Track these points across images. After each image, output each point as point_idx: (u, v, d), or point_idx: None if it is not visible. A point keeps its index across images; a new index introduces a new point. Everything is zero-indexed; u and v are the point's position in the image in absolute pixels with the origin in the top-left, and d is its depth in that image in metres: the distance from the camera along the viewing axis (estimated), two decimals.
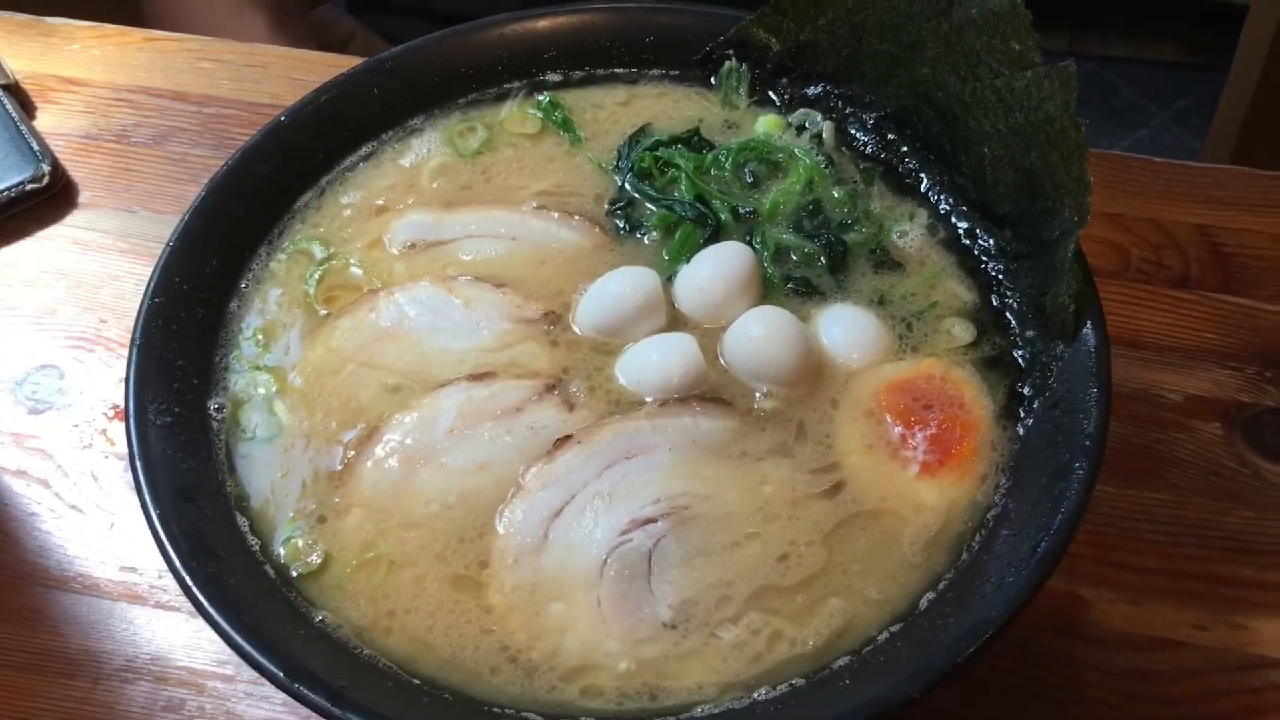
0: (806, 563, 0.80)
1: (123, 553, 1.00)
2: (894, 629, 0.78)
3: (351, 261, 0.96)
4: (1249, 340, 1.10)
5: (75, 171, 1.25)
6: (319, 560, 0.82)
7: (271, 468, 0.86)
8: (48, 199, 1.22)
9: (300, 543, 0.83)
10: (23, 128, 1.25)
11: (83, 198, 1.24)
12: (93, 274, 1.18)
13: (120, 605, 0.98)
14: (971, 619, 0.74)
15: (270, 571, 0.81)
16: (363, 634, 0.79)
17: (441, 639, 0.79)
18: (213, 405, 0.89)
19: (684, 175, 0.99)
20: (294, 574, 0.82)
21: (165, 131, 1.29)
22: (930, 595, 0.79)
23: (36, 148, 1.23)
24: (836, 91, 1.02)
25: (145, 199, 1.24)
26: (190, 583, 0.76)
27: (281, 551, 0.83)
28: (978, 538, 0.81)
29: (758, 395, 0.87)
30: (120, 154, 1.27)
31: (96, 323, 1.15)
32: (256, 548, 0.82)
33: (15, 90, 1.30)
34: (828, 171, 0.99)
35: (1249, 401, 1.06)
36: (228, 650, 0.87)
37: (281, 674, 0.72)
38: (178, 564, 0.77)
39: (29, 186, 1.21)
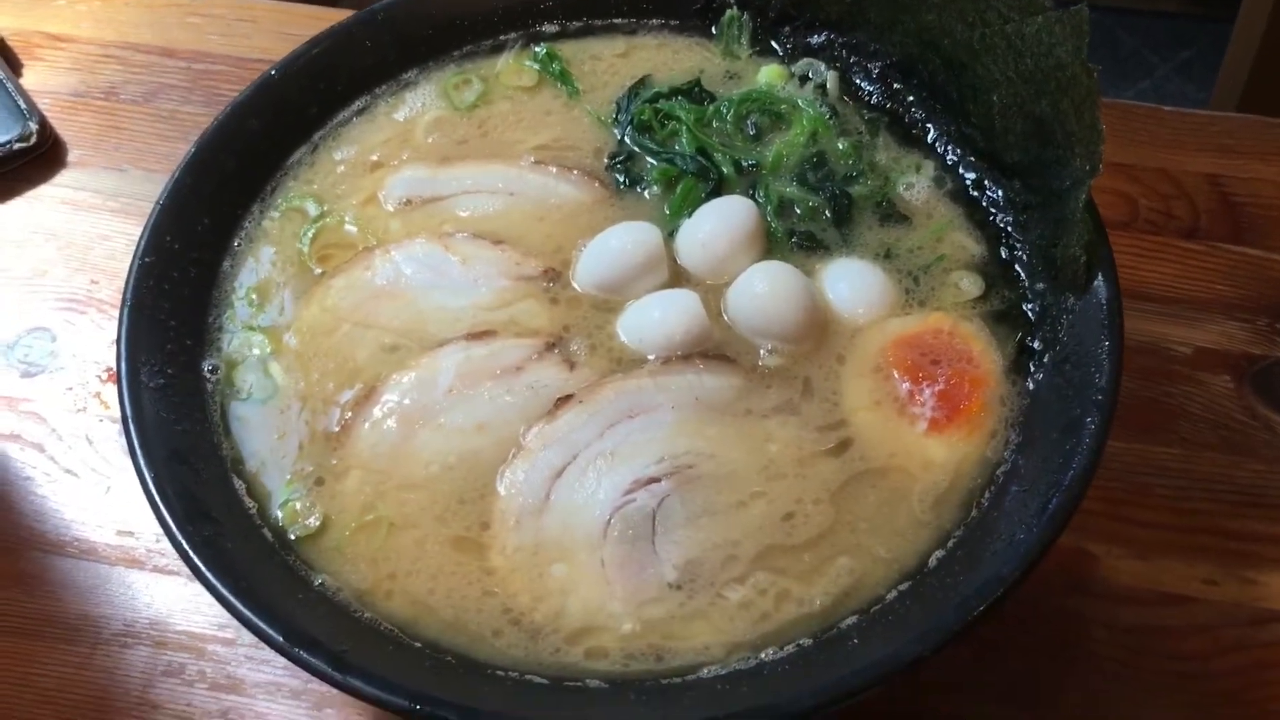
0: (814, 521, 0.79)
1: (119, 516, 1.00)
2: (903, 587, 0.77)
3: (346, 219, 0.95)
4: (1260, 291, 1.09)
5: (64, 130, 1.24)
6: (317, 523, 0.81)
7: (267, 429, 0.85)
8: (36, 158, 1.20)
9: (298, 505, 0.82)
10: (9, 85, 1.23)
11: (72, 156, 1.22)
12: (83, 234, 1.17)
13: (118, 570, 0.97)
14: (982, 577, 0.73)
15: (268, 534, 0.80)
16: (363, 597, 0.78)
17: (443, 602, 0.78)
18: (206, 366, 0.87)
19: (685, 128, 0.97)
20: (292, 537, 0.81)
21: (154, 88, 1.27)
22: (940, 553, 0.78)
23: (24, 106, 1.21)
24: (840, 40, 1.00)
25: (136, 157, 1.22)
26: (186, 546, 0.75)
27: (279, 514, 0.82)
28: (987, 494, 0.80)
29: (762, 352, 0.86)
30: (109, 111, 1.25)
31: (88, 284, 1.13)
32: (254, 510, 0.81)
33: (0, 47, 1.28)
34: (832, 123, 0.97)
35: (1260, 354, 1.05)
36: (227, 614, 0.87)
37: (281, 639, 0.71)
38: (173, 527, 0.75)
39: (16, 145, 1.19)
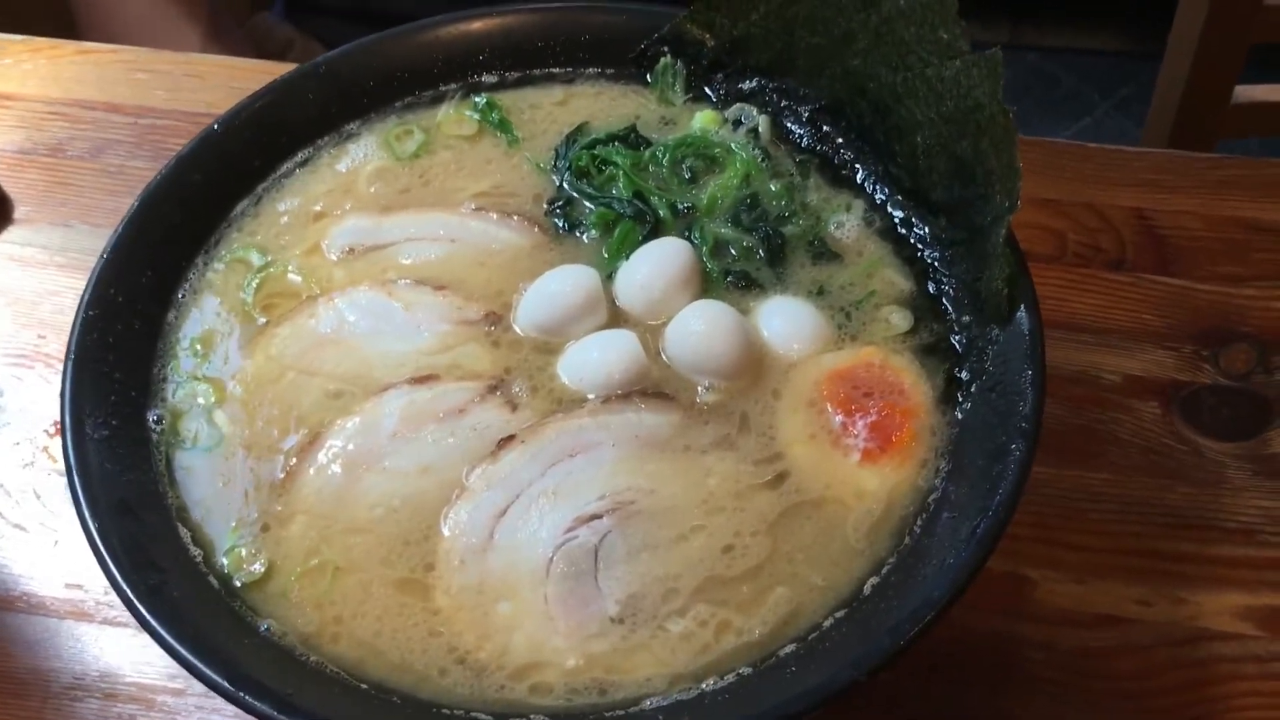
0: (752, 553, 0.81)
1: (68, 570, 1.00)
2: (839, 614, 0.78)
3: (290, 268, 0.96)
4: (1185, 320, 1.12)
5: (10, 187, 1.24)
6: (262, 569, 0.82)
7: (212, 478, 0.86)
8: None
9: (243, 552, 0.82)
10: None
11: (18, 213, 1.23)
12: (30, 290, 1.17)
13: (67, 623, 0.97)
14: (914, 601, 0.75)
15: (214, 582, 0.81)
16: (309, 641, 0.79)
17: (389, 643, 0.79)
18: (151, 417, 0.88)
19: (622, 172, 0.99)
20: (238, 584, 0.81)
21: (101, 144, 1.28)
22: (874, 580, 0.79)
23: None
24: (771, 85, 1.03)
25: (83, 213, 1.23)
26: (132, 595, 0.75)
27: (224, 561, 0.82)
28: (919, 521, 0.82)
29: (700, 389, 0.88)
30: (56, 168, 1.26)
31: (35, 339, 1.14)
32: (199, 558, 0.82)
33: None
34: (764, 165, 1.00)
35: (1186, 380, 1.08)
36: (177, 664, 0.87)
37: (227, 683, 0.72)
38: (118, 577, 0.76)
39: None
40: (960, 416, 0.85)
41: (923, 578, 0.77)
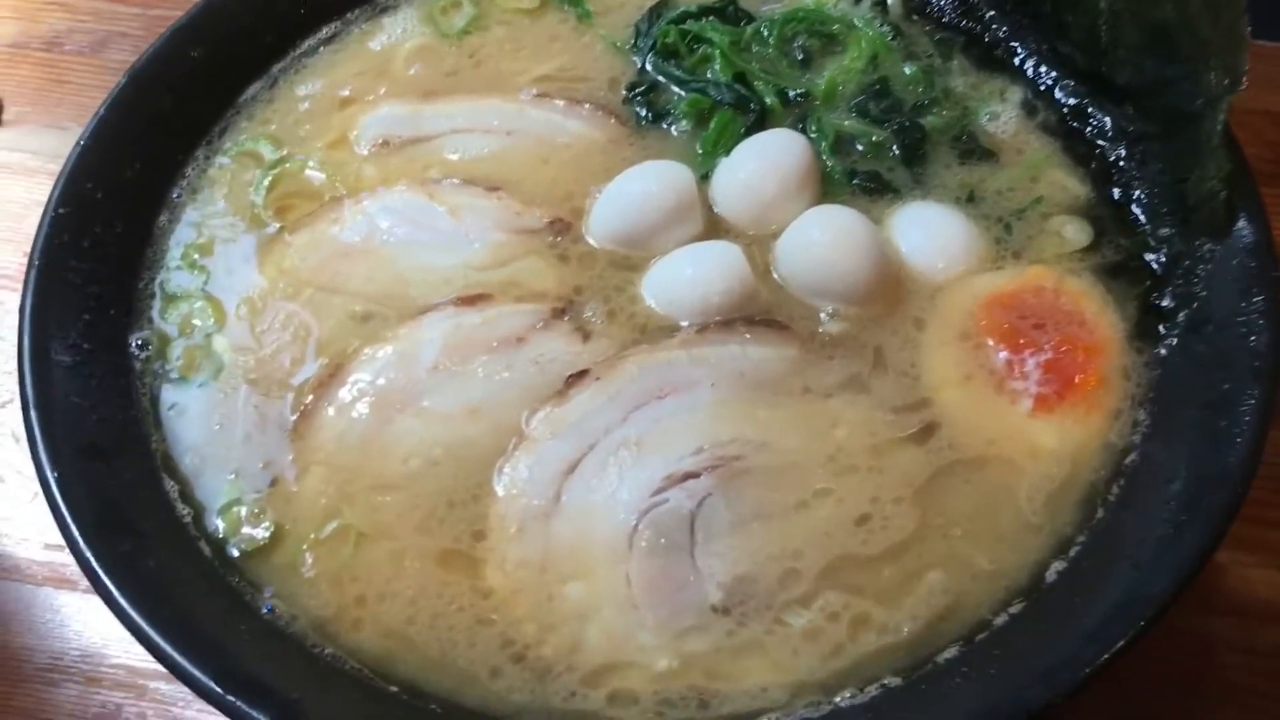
0: (894, 526, 0.71)
1: (47, 527, 0.87)
2: (1014, 609, 0.68)
3: (310, 164, 0.89)
4: None
5: (1, 84, 1.15)
6: (268, 534, 0.73)
7: (208, 418, 0.77)
8: None
9: (243, 511, 0.74)
10: None
11: (8, 114, 1.15)
12: (18, 201, 1.08)
13: (45, 591, 0.88)
14: (1116, 594, 0.63)
15: (205, 549, 0.72)
16: (324, 628, 0.70)
17: (426, 633, 0.70)
18: (134, 341, 0.79)
19: (719, 52, 0.91)
20: (235, 552, 0.72)
21: (103, 38, 1.20)
22: (1059, 565, 0.70)
23: None
24: None
25: (80, 114, 1.12)
26: (95, 564, 0.65)
27: (219, 523, 0.73)
28: (1115, 489, 0.72)
29: (822, 316, 0.78)
30: (51, 64, 1.18)
31: (20, 257, 1.02)
32: (188, 519, 0.73)
33: None
34: (895, 44, 0.90)
35: None
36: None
37: (213, 683, 0.61)
38: (79, 540, 0.66)
39: None
40: (1163, 355, 0.75)
41: (1131, 562, 0.65)
